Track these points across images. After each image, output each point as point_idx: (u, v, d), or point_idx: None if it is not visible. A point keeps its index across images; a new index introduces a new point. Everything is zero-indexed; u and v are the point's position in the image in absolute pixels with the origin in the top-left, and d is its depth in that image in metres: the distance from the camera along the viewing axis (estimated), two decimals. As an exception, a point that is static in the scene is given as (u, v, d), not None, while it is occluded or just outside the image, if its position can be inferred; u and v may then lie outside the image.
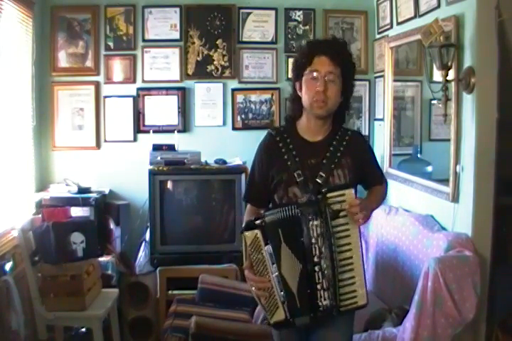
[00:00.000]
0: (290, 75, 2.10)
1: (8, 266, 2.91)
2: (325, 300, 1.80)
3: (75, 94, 3.98)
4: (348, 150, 1.98)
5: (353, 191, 1.84)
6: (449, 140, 2.83)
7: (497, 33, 2.54)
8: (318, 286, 1.79)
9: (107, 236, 3.62)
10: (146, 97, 4.04)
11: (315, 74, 1.91)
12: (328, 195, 1.79)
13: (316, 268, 1.78)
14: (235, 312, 3.08)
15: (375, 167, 2.15)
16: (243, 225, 1.86)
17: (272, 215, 1.82)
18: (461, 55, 2.71)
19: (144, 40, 4.03)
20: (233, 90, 4.11)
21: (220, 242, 3.69)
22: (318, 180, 1.91)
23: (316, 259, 1.78)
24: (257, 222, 1.81)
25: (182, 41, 4.04)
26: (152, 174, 3.59)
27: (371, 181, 2.12)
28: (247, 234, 1.82)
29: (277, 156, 1.97)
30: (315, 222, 1.77)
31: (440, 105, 2.73)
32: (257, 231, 1.81)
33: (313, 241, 1.77)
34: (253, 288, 1.86)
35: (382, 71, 3.88)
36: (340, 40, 2.02)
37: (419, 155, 3.57)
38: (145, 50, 4.02)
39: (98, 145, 4.02)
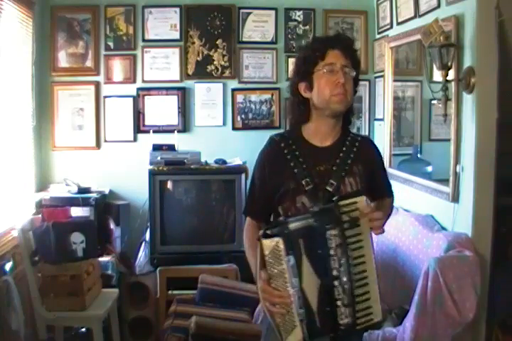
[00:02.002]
0: (290, 77, 1.92)
1: (8, 266, 2.91)
2: (346, 317, 1.63)
3: (75, 94, 3.98)
4: (359, 157, 1.84)
5: (365, 198, 1.67)
6: (449, 140, 2.83)
7: (497, 33, 2.54)
8: (339, 303, 1.62)
9: (107, 236, 3.61)
10: (146, 97, 4.04)
11: (331, 67, 1.78)
12: (340, 203, 1.63)
13: (336, 283, 1.61)
14: (235, 312, 3.08)
15: (385, 177, 2.00)
16: (261, 232, 1.62)
17: (297, 222, 1.62)
18: (461, 55, 2.71)
19: (143, 40, 4.03)
20: (233, 90, 4.11)
21: (220, 242, 3.69)
22: (328, 188, 1.76)
23: (335, 273, 1.61)
24: (278, 228, 1.60)
25: (182, 41, 4.04)
26: (152, 174, 3.59)
27: (379, 192, 1.94)
28: (266, 242, 1.59)
29: (282, 164, 1.81)
30: (333, 232, 1.60)
31: (440, 105, 2.73)
32: (279, 240, 1.58)
33: (332, 252, 1.61)
34: (267, 304, 1.62)
35: (382, 71, 3.88)
36: (346, 35, 1.99)
37: (419, 155, 3.57)
38: (145, 50, 4.03)
39: (98, 145, 4.02)
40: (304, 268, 1.61)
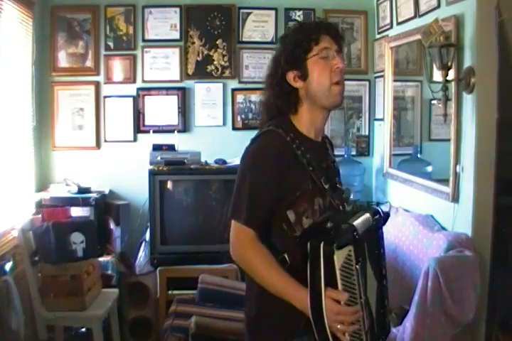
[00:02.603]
0: (271, 66, 1.70)
1: (8, 266, 2.90)
2: (387, 318, 1.54)
3: (75, 94, 3.98)
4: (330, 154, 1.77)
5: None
6: (449, 140, 2.83)
7: (497, 33, 2.54)
8: (386, 302, 1.51)
9: (107, 236, 3.61)
10: (146, 97, 4.04)
11: (327, 52, 1.59)
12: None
13: (384, 282, 1.51)
14: (235, 312, 3.07)
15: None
16: (325, 242, 1.35)
17: (361, 223, 1.44)
18: (461, 55, 2.71)
19: (143, 40, 4.03)
20: (233, 90, 4.11)
21: (220, 242, 3.67)
22: (338, 186, 1.63)
23: (384, 271, 1.51)
24: (347, 235, 1.38)
25: (182, 41, 4.04)
26: (152, 174, 3.59)
27: None
28: (339, 253, 1.35)
29: (295, 162, 1.56)
30: (382, 230, 1.52)
31: (440, 105, 2.73)
32: (351, 248, 1.37)
33: (382, 250, 1.51)
34: (339, 326, 1.37)
35: (382, 71, 3.88)
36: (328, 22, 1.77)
37: (419, 155, 3.57)
38: (145, 50, 4.02)
39: (98, 145, 4.02)
40: (367, 274, 1.46)
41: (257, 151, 1.58)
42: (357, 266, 1.37)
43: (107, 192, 3.85)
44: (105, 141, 4.03)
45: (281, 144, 1.56)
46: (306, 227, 1.48)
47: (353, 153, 4.10)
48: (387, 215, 1.56)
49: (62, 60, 3.97)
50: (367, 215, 1.45)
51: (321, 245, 1.33)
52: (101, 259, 3.35)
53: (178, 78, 4.06)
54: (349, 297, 1.36)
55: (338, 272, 1.34)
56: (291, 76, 1.63)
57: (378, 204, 1.68)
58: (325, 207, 1.55)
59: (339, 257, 1.34)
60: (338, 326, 1.37)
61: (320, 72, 1.59)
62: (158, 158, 3.63)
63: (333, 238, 1.35)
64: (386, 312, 1.52)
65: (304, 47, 1.59)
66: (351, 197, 1.62)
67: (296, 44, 1.61)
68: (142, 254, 3.66)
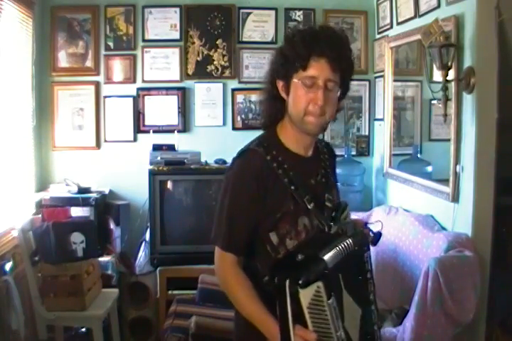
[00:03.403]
0: (270, 66, 1.63)
1: (8, 266, 2.90)
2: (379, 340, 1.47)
3: (75, 94, 3.97)
4: (329, 167, 1.67)
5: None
6: (449, 140, 2.83)
7: (497, 33, 2.54)
8: (375, 327, 1.45)
9: (107, 236, 3.61)
10: (146, 97, 4.04)
11: (312, 81, 1.47)
12: (342, 217, 1.47)
13: (373, 307, 1.44)
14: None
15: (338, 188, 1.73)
16: (290, 280, 1.27)
17: (333, 256, 1.32)
18: (461, 55, 2.71)
19: (143, 40, 4.03)
20: (233, 90, 4.11)
21: (220, 242, 3.68)
22: (328, 203, 1.53)
23: (371, 297, 1.43)
24: (315, 269, 1.29)
25: (182, 41, 4.04)
26: (152, 174, 3.59)
27: None
28: (305, 292, 1.26)
29: (274, 182, 1.50)
30: (367, 253, 1.43)
31: (440, 105, 2.73)
32: (320, 284, 1.27)
33: (369, 275, 1.44)
34: None
35: (382, 71, 3.88)
36: (340, 35, 1.54)
37: (419, 155, 3.56)
38: (145, 50, 4.02)
39: (98, 145, 4.02)
40: (344, 304, 1.35)
41: (236, 173, 1.55)
42: (329, 302, 1.28)
43: (107, 192, 3.85)
44: (105, 141, 4.03)
45: (259, 165, 1.51)
46: (279, 258, 1.45)
47: (353, 153, 4.10)
48: (378, 235, 1.50)
49: (62, 60, 3.97)
50: (347, 242, 1.35)
51: (286, 283, 1.26)
52: (101, 259, 3.35)
53: (178, 78, 4.06)
54: (322, 333, 1.29)
55: (305, 311, 1.27)
56: (279, 84, 1.57)
57: (366, 224, 1.56)
58: (312, 227, 1.50)
59: (305, 295, 1.26)
60: None
61: (297, 99, 1.51)
62: (158, 158, 3.63)
63: (299, 275, 1.26)
64: (376, 336, 1.45)
65: (290, 65, 1.50)
66: (346, 212, 1.49)
67: (285, 59, 1.52)
68: (142, 254, 3.66)
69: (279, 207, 1.49)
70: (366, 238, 1.44)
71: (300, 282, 1.24)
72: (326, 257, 1.30)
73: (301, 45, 1.48)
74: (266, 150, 1.53)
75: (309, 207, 1.49)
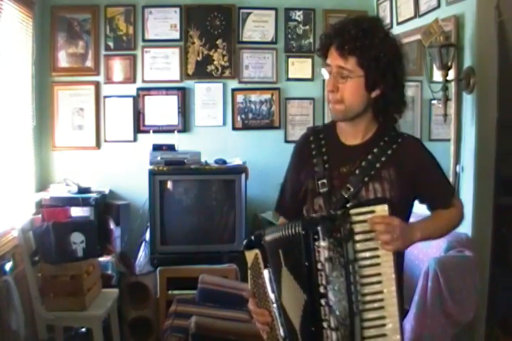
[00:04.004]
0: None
1: (8, 266, 2.90)
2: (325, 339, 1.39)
3: (75, 94, 3.98)
4: (395, 160, 1.56)
5: (386, 207, 1.40)
6: (449, 140, 2.83)
7: (497, 33, 2.55)
8: (325, 324, 1.38)
9: (107, 236, 3.61)
10: (146, 97, 4.04)
11: (329, 69, 1.54)
12: (353, 211, 1.40)
13: (322, 302, 1.38)
14: (235, 312, 3.07)
15: (436, 184, 1.64)
16: (244, 242, 1.52)
17: (273, 233, 1.47)
18: (461, 55, 2.71)
19: (143, 40, 4.03)
20: (233, 90, 4.11)
21: (220, 242, 3.68)
22: (343, 192, 1.53)
23: (322, 290, 1.38)
24: (255, 239, 1.50)
25: (182, 41, 4.04)
26: (152, 174, 3.58)
27: (431, 202, 1.64)
28: (247, 253, 1.51)
29: (307, 160, 1.63)
30: (322, 243, 1.38)
31: (440, 105, 2.73)
32: (257, 251, 1.48)
33: (319, 266, 1.38)
34: (256, 323, 1.52)
35: (382, 71, 3.87)
36: (356, 21, 1.53)
37: (419, 155, 3.56)
38: (145, 50, 4.02)
39: (98, 145, 4.02)
40: (284, 282, 1.44)
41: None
42: (265, 271, 1.46)
43: (107, 192, 3.85)
44: (105, 141, 4.03)
45: (301, 142, 1.70)
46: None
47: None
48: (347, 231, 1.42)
49: (62, 60, 3.97)
50: (294, 224, 1.41)
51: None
52: (101, 259, 3.35)
53: (178, 78, 4.06)
54: (260, 298, 1.49)
55: (248, 271, 1.51)
56: None
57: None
58: (326, 209, 1.54)
59: (249, 257, 1.51)
60: (256, 322, 1.51)
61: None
62: (158, 158, 3.63)
63: (247, 240, 1.53)
64: (322, 333, 1.39)
65: (322, 56, 1.59)
66: (368, 209, 1.41)
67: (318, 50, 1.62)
68: (142, 254, 3.66)
69: (303, 183, 1.64)
70: (326, 229, 1.38)
71: (244, 244, 1.52)
72: (267, 231, 1.49)
73: (323, 35, 1.58)
74: (314, 131, 1.69)
75: (321, 190, 1.57)
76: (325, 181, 1.57)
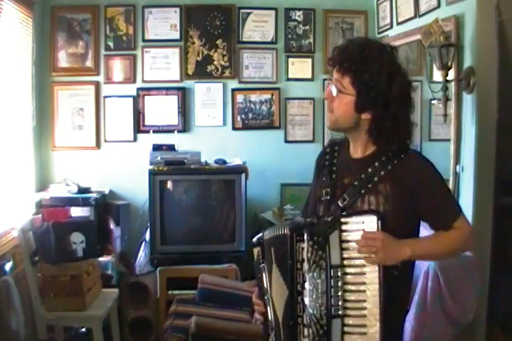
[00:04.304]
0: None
1: (8, 266, 2.90)
2: (304, 338, 1.50)
3: (75, 94, 3.98)
4: (393, 174, 1.58)
5: (375, 219, 1.47)
6: (449, 140, 2.83)
7: (497, 33, 2.54)
8: (299, 320, 1.51)
9: (107, 236, 3.61)
10: (146, 97, 4.04)
11: (330, 78, 1.65)
12: (343, 219, 1.50)
13: (299, 299, 1.51)
14: (235, 312, 3.07)
15: (437, 204, 1.59)
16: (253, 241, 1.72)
17: (270, 232, 1.63)
18: (461, 55, 2.71)
19: (143, 40, 4.03)
20: (233, 90, 4.11)
21: (220, 242, 3.68)
22: (339, 202, 1.60)
23: (299, 288, 1.51)
24: (257, 237, 1.68)
25: (182, 41, 4.04)
26: (152, 174, 3.58)
27: (431, 222, 1.61)
28: (254, 250, 1.70)
29: (321, 170, 1.75)
30: (302, 245, 1.51)
31: (440, 105, 2.73)
32: (258, 249, 1.67)
33: (299, 266, 1.51)
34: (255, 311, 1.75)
35: (382, 71, 3.87)
36: (363, 44, 1.60)
37: (419, 155, 3.56)
38: (145, 50, 4.02)
39: (98, 145, 4.02)
40: (273, 277, 1.60)
41: None
42: (262, 265, 1.64)
43: (107, 192, 3.85)
44: (105, 141, 4.03)
45: (320, 154, 1.81)
46: None
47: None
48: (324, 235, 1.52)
49: (62, 60, 3.97)
50: (283, 225, 1.58)
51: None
52: (101, 259, 3.35)
53: (178, 78, 4.06)
54: (260, 290, 1.67)
55: (254, 265, 1.68)
56: None
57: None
58: (323, 216, 1.61)
59: (255, 253, 1.68)
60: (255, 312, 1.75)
61: None
62: (158, 158, 3.63)
63: (254, 238, 1.70)
64: (297, 327, 1.50)
65: None
66: (355, 219, 1.51)
67: None
68: (142, 254, 3.66)
69: (314, 190, 1.76)
70: (310, 232, 1.51)
71: (253, 241, 1.69)
72: (267, 230, 1.65)
73: (335, 48, 1.66)
74: (331, 144, 1.80)
75: (322, 198, 1.67)
76: (328, 190, 1.67)
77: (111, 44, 4.00)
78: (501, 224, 2.64)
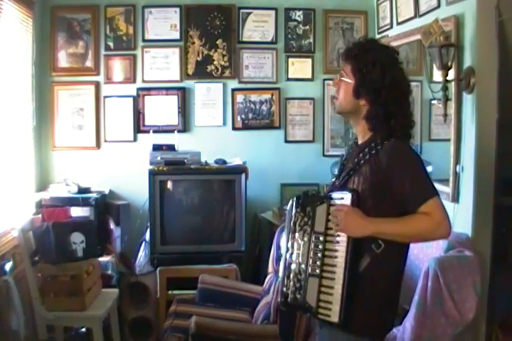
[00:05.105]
0: None
1: (8, 266, 2.91)
2: (287, 290, 1.80)
3: (75, 94, 3.98)
4: (373, 158, 1.73)
5: (349, 196, 1.69)
6: (449, 140, 2.83)
7: (497, 33, 2.54)
8: (286, 272, 1.84)
9: (107, 236, 3.61)
10: (146, 97, 4.05)
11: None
12: (333, 195, 1.79)
13: (288, 255, 1.84)
14: (235, 312, 3.08)
15: (407, 187, 1.66)
16: None
17: (306, 195, 1.90)
18: (461, 55, 2.71)
19: (143, 40, 4.03)
20: (233, 90, 4.11)
21: (220, 242, 3.69)
22: (336, 181, 1.86)
23: (289, 246, 1.85)
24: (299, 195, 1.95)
25: (182, 41, 4.05)
26: (152, 174, 3.58)
27: (403, 205, 1.68)
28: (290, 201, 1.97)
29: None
30: (295, 211, 1.86)
31: (440, 105, 2.73)
32: (294, 199, 1.92)
33: (292, 227, 1.85)
34: None
35: (382, 71, 3.87)
36: (368, 41, 1.88)
37: (419, 155, 3.56)
38: (145, 50, 4.02)
39: (98, 145, 4.02)
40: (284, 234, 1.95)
41: None
42: (295, 211, 1.87)
43: (107, 192, 3.85)
44: (105, 141, 4.03)
45: (350, 145, 2.02)
46: None
47: (353, 153, 4.10)
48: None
49: (62, 60, 3.97)
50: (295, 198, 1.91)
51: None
52: (101, 259, 3.36)
53: (178, 78, 4.06)
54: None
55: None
56: None
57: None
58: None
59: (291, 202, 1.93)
60: None
61: None
62: (158, 158, 3.63)
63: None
64: (284, 278, 1.83)
65: None
66: (339, 195, 1.80)
67: None
68: (142, 254, 3.66)
69: None
70: (305, 202, 1.84)
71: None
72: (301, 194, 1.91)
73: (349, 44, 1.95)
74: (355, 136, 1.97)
75: (333, 180, 1.92)
76: (337, 173, 1.92)
77: (111, 44, 4.00)
78: (501, 224, 2.64)
